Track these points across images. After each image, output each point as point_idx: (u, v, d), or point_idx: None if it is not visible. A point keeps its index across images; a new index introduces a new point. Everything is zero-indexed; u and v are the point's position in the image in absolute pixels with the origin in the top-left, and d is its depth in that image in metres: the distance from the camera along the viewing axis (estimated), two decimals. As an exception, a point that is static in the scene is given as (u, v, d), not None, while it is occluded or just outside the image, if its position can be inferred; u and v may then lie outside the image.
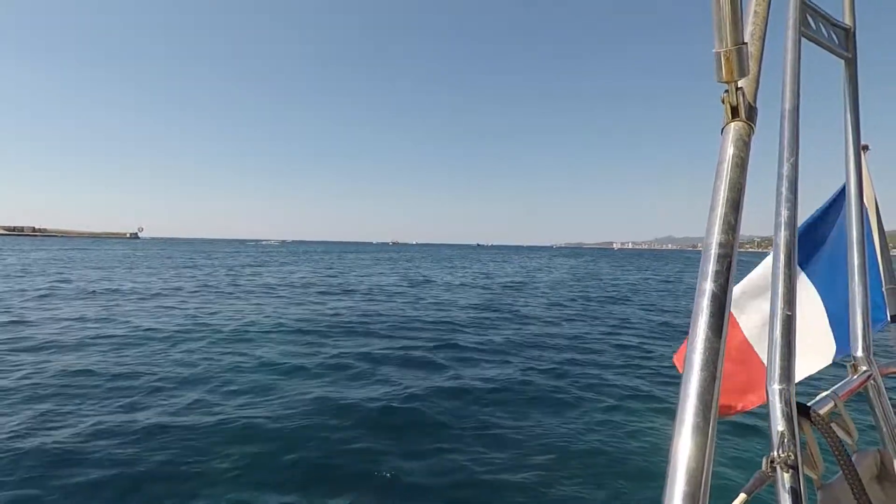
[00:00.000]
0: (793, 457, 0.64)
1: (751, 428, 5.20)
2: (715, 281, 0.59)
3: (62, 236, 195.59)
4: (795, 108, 0.88)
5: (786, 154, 0.84)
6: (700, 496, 0.47)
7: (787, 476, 0.64)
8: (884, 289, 1.36)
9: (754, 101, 0.72)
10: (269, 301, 16.22)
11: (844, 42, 1.19)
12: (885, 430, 1.04)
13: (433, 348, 9.48)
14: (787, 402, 0.69)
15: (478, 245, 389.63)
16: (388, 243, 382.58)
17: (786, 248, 0.77)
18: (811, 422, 0.75)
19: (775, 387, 0.70)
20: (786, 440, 0.66)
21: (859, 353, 1.09)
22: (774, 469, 0.64)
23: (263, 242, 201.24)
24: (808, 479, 0.70)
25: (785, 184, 0.82)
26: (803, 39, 0.99)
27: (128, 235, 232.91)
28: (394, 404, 6.08)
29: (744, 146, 0.68)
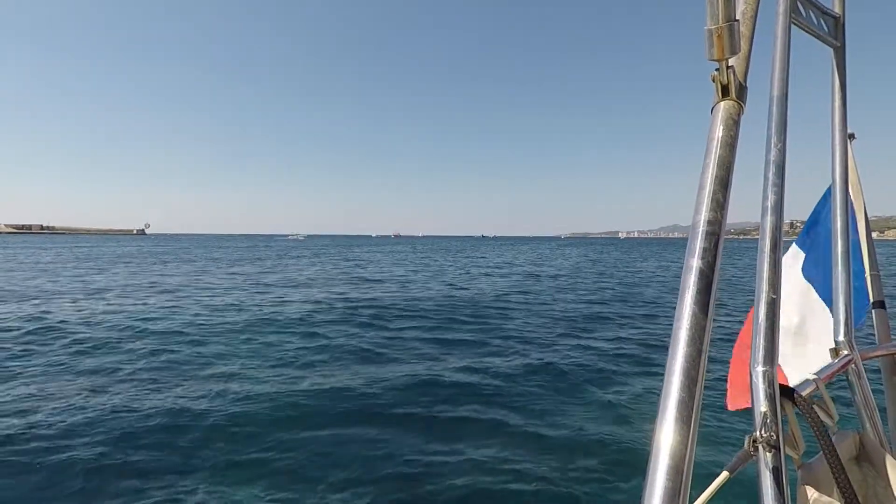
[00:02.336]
0: (775, 437, 0.65)
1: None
2: (702, 258, 0.59)
3: (71, 234, 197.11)
4: (784, 95, 0.88)
5: (773, 140, 0.84)
6: (684, 468, 0.48)
7: (768, 455, 0.64)
8: (867, 275, 1.36)
9: (745, 81, 0.71)
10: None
11: (834, 31, 1.18)
12: (864, 412, 1.05)
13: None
14: (769, 384, 0.70)
15: (482, 236, 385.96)
16: (389, 236, 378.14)
17: (772, 233, 0.77)
18: (793, 403, 0.76)
19: (759, 368, 0.71)
20: (768, 420, 0.67)
21: (841, 338, 1.10)
22: (757, 448, 0.65)
23: (290, 237, 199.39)
24: (788, 459, 0.71)
25: (772, 169, 0.82)
26: (793, 26, 0.98)
27: (135, 232, 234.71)
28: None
29: (733, 125, 0.68)
